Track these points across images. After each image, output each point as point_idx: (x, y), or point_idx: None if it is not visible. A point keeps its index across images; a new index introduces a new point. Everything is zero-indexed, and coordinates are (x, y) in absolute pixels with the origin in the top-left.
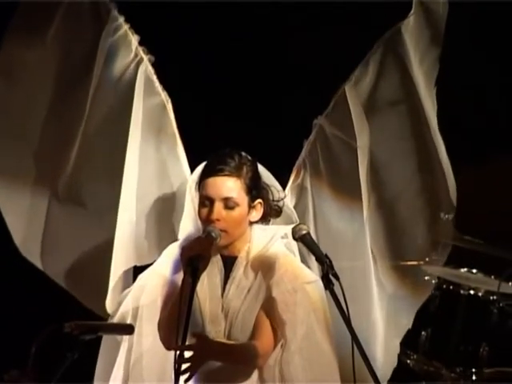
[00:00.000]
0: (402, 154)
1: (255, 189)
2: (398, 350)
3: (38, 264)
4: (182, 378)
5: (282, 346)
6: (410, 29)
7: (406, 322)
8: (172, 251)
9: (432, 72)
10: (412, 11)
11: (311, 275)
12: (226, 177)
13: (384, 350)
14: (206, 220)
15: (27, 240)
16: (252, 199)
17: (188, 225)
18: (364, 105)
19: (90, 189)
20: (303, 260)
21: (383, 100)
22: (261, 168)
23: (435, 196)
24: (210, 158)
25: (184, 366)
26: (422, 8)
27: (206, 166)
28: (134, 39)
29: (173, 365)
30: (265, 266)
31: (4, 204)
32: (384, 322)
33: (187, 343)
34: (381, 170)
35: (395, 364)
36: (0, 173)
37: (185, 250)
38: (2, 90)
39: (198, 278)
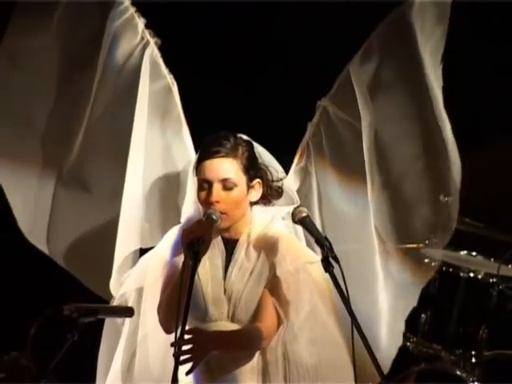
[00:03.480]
0: (407, 134)
1: (252, 169)
2: (403, 329)
3: (43, 247)
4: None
5: (285, 326)
6: (416, 8)
7: (411, 303)
8: (174, 234)
9: (438, 50)
10: None
11: (313, 255)
12: (222, 158)
13: (388, 330)
14: (206, 203)
15: (32, 224)
16: (250, 179)
17: (190, 208)
18: (368, 84)
19: (96, 172)
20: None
21: (387, 80)
22: (261, 149)
23: (439, 177)
24: (204, 141)
25: (184, 357)
26: None
27: (201, 149)
28: (141, 22)
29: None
30: (266, 247)
31: (9, 188)
32: (389, 302)
33: (188, 327)
34: (385, 150)
35: (400, 343)
36: (6, 157)
37: (185, 233)
38: (7, 75)
39: (199, 261)
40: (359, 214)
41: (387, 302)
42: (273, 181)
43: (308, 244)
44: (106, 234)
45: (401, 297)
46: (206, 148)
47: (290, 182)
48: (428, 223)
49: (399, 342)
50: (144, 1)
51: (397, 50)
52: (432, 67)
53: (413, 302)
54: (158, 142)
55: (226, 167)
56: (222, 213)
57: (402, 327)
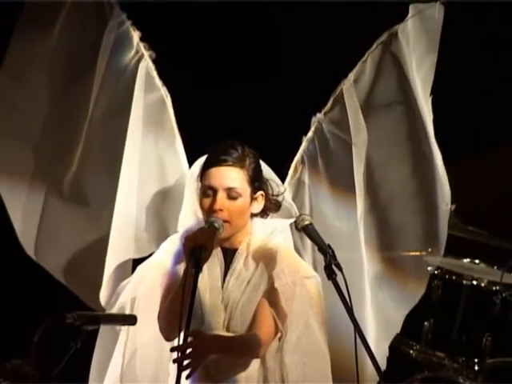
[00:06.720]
0: (397, 156)
1: (257, 180)
2: (387, 353)
3: (42, 261)
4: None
5: (280, 337)
6: (407, 33)
7: (397, 323)
8: (172, 243)
9: (428, 79)
10: (409, 15)
11: (310, 270)
12: (229, 167)
13: (374, 350)
14: (209, 210)
15: (31, 237)
16: (254, 190)
17: (188, 218)
18: (361, 104)
19: (94, 185)
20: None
21: (380, 101)
22: (261, 162)
23: (429, 200)
24: (212, 148)
25: (184, 363)
26: (419, 13)
27: (209, 156)
28: (136, 35)
29: (168, 357)
30: (265, 259)
31: (9, 201)
32: (375, 321)
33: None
34: (376, 170)
35: (384, 367)
36: (5, 171)
37: (188, 240)
38: (8, 89)
39: (201, 269)
40: (350, 228)
41: (374, 320)
42: (273, 195)
43: None
44: (104, 247)
45: (387, 316)
46: (213, 155)
47: (286, 194)
48: (417, 242)
49: (383, 365)
50: (139, 0)
51: (389, 73)
52: (423, 94)
53: (398, 323)
54: (151, 154)
55: (233, 176)
56: (224, 221)
57: (386, 351)
